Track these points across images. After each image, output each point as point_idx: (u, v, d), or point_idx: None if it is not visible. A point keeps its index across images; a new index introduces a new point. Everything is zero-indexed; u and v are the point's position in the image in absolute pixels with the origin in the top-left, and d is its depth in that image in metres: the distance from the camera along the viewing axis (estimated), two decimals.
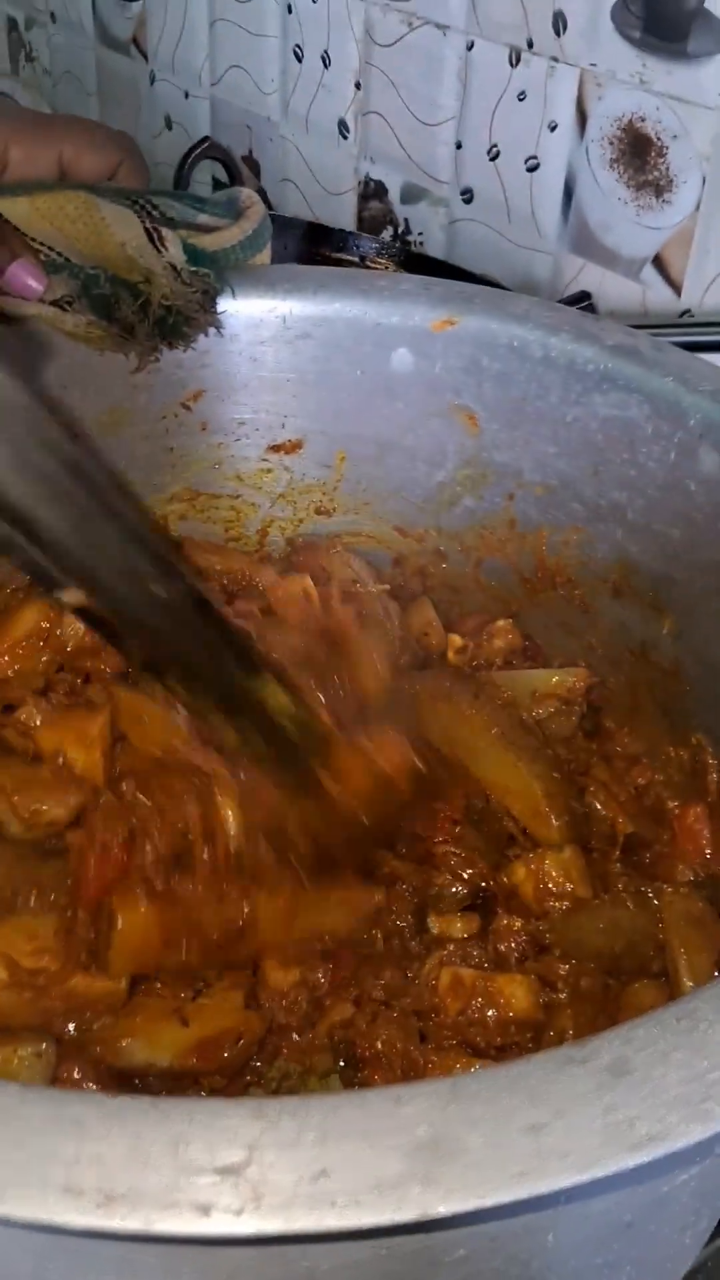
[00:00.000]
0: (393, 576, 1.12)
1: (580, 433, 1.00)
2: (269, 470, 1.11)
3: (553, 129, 1.57)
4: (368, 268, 1.83)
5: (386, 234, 1.92)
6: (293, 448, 1.09)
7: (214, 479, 1.11)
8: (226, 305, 1.03)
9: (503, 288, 1.70)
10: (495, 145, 1.66)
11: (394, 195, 1.88)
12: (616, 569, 1.02)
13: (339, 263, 1.82)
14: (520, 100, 1.60)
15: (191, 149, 1.66)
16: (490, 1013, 0.79)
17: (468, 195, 1.75)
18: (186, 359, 1.04)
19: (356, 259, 1.84)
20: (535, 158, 1.62)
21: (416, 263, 1.81)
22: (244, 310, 1.03)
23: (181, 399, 1.06)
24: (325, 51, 1.86)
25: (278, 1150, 0.44)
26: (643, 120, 1.45)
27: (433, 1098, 0.46)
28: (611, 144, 1.51)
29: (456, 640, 1.05)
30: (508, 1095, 0.46)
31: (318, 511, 1.13)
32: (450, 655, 1.06)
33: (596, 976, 0.82)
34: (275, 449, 1.10)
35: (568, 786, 0.92)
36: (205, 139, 1.67)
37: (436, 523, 1.11)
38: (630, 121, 1.47)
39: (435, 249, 1.85)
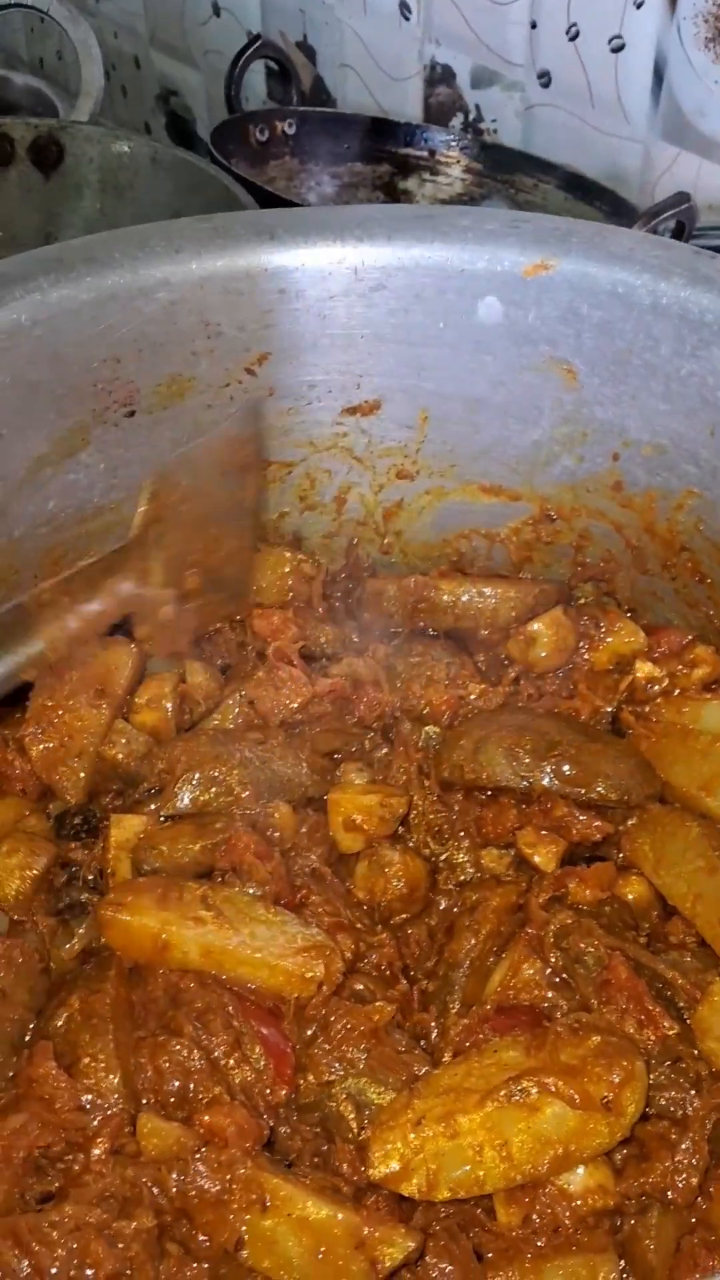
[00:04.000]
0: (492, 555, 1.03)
1: (696, 389, 0.89)
2: (344, 434, 1.01)
3: (639, 6, 1.41)
4: (437, 163, 1.70)
5: (456, 122, 1.77)
6: (370, 409, 0.99)
7: (285, 446, 1.01)
8: (290, 258, 0.92)
9: (586, 179, 1.57)
10: (574, 24, 1.50)
11: (463, 80, 1.72)
12: None
13: (406, 159, 1.70)
14: None
15: (242, 50, 1.52)
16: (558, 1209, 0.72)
17: (545, 79, 1.59)
18: (248, 320, 0.93)
19: (425, 153, 1.70)
20: (620, 37, 1.46)
21: (491, 153, 1.67)
22: (309, 263, 0.92)
23: (245, 364, 0.96)
24: None
25: None
26: None
27: None
28: (706, 21, 1.35)
29: (648, 669, 0.95)
30: None
31: (399, 475, 1.03)
32: (639, 680, 0.96)
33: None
34: (351, 411, 0.99)
35: None
36: (256, 37, 1.53)
37: (531, 484, 1.01)
38: None
39: (510, 137, 1.69)
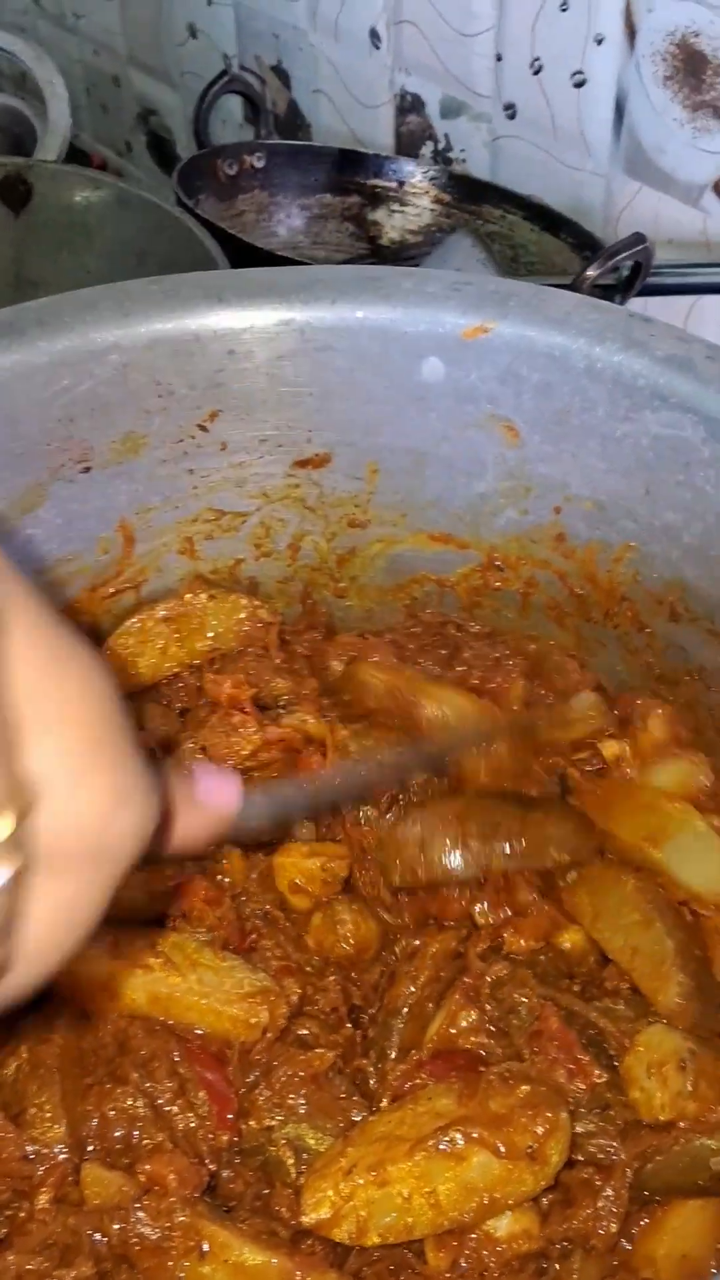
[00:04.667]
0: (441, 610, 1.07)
1: (631, 449, 0.91)
2: (296, 485, 1.03)
3: (599, 42, 1.43)
4: (406, 194, 1.72)
5: (427, 149, 1.79)
6: (320, 462, 1.02)
7: (239, 498, 1.04)
8: (239, 320, 0.94)
9: (551, 210, 1.59)
10: (538, 58, 1.52)
11: (432, 109, 1.74)
12: (673, 590, 0.94)
13: (375, 190, 1.72)
14: (563, 10, 1.45)
15: (210, 84, 1.54)
16: (485, 1253, 0.75)
17: (510, 110, 1.61)
18: (199, 379, 0.96)
19: (394, 184, 1.73)
20: (581, 72, 1.48)
21: (459, 184, 1.70)
22: (258, 324, 0.95)
23: (197, 420, 0.98)
24: None
25: None
26: (697, 35, 1.31)
27: None
28: (664, 60, 1.37)
29: (614, 748, 0.96)
30: None
31: (351, 524, 1.06)
32: (607, 756, 0.97)
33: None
34: (302, 464, 1.02)
35: (701, 957, 0.86)
36: (224, 73, 1.55)
37: (478, 534, 1.03)
38: (684, 37, 1.33)
39: (479, 168, 1.72)
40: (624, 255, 1.30)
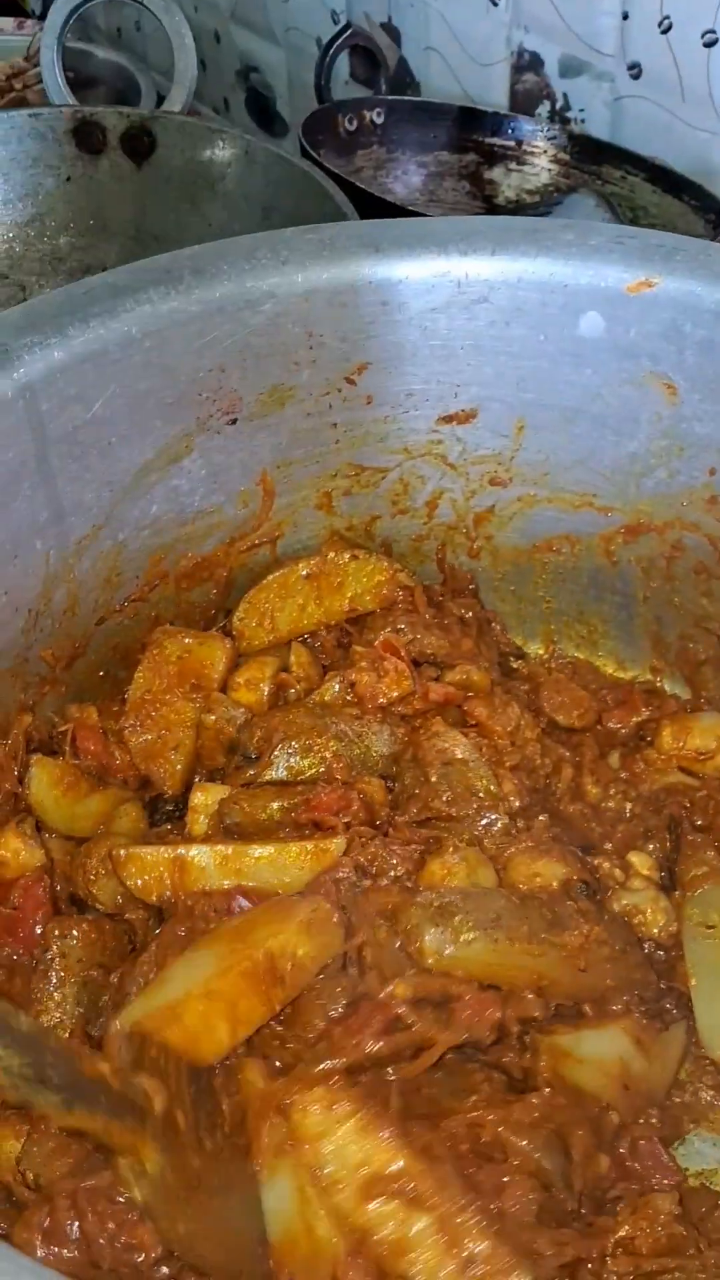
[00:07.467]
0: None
1: None
2: (439, 441, 1.02)
3: None
4: (524, 153, 1.69)
5: (543, 110, 1.75)
6: (466, 418, 1.00)
7: (380, 453, 1.02)
8: (394, 271, 0.93)
9: (674, 172, 1.56)
10: (667, 17, 1.48)
11: (551, 68, 1.70)
12: None
13: (493, 149, 1.69)
14: None
15: (331, 40, 1.52)
16: None
17: (635, 70, 1.58)
18: (350, 331, 0.95)
19: (512, 143, 1.70)
20: (713, 31, 1.44)
21: (579, 144, 1.67)
22: (413, 275, 0.93)
23: (345, 373, 0.97)
24: None
25: None
26: None
27: None
28: None
29: None
30: None
31: (492, 482, 1.04)
32: None
33: None
34: (447, 419, 1.01)
35: None
36: (346, 26, 1.53)
37: (624, 494, 1.01)
38: None
39: (599, 128, 1.68)
40: None
